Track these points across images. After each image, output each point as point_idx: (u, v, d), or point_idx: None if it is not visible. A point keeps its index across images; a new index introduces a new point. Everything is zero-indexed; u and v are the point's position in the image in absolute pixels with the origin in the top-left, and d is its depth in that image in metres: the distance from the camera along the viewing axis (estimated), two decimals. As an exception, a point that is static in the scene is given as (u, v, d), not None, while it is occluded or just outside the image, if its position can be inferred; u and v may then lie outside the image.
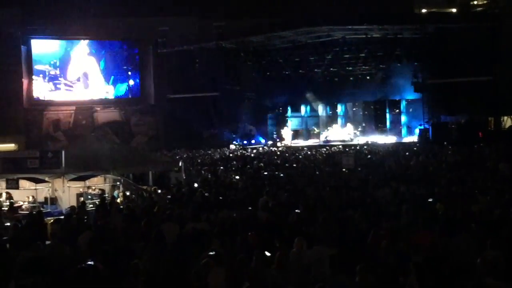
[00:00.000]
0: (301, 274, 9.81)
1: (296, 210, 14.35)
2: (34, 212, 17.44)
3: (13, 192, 20.78)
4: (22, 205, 20.41)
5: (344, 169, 26.38)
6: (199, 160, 36.97)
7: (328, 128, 58.37)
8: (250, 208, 15.63)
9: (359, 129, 56.75)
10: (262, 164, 31.98)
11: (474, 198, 15.42)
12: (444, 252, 10.05)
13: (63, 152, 20.72)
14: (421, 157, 30.78)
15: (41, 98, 55.41)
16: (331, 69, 55.34)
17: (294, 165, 30.89)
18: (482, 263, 8.33)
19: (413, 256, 9.74)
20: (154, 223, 13.27)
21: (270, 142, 55.61)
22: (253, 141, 55.50)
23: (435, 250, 9.94)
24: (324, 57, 52.94)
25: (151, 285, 9.57)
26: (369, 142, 49.89)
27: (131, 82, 58.98)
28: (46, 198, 20.67)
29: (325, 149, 44.21)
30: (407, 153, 34.87)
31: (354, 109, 59.33)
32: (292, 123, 59.75)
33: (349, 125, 56.71)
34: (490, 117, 47.32)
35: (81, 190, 21.02)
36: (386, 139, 52.14)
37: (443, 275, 8.76)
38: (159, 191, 21.53)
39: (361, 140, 52.72)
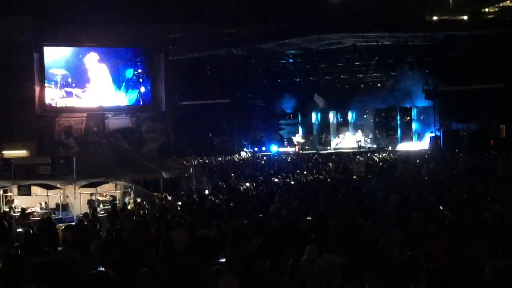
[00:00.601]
0: (312, 282, 9.80)
1: (307, 218, 14.34)
2: (45, 218, 17.55)
3: (25, 198, 20.91)
4: (33, 211, 20.54)
5: (354, 176, 26.36)
6: (210, 167, 36.98)
7: (339, 135, 58.32)
8: (261, 215, 15.65)
9: (370, 136, 56.65)
10: (272, 171, 31.95)
11: (485, 205, 15.36)
12: (456, 260, 10.01)
13: (74, 159, 20.81)
14: (432, 165, 30.68)
15: (53, 105, 55.54)
16: (342, 76, 55.38)
17: (305, 172, 30.82)
18: (491, 272, 8.30)
19: (424, 264, 9.72)
20: (165, 230, 13.31)
21: (281, 149, 55.54)
22: (263, 148, 55.48)
23: (446, 258, 9.92)
24: (335, 64, 52.95)
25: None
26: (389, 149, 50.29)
27: (142, 89, 59.02)
28: (57, 205, 20.80)
29: (335, 156, 44.15)
30: (417, 161, 34.76)
31: (365, 116, 59.14)
32: (303, 130, 59.69)
33: (359, 132, 56.60)
34: (502, 124, 47.09)
35: (92, 196, 21.10)
36: (399, 146, 52.38)
37: (454, 283, 8.73)
38: (170, 198, 21.56)
39: (372, 147, 52.79)
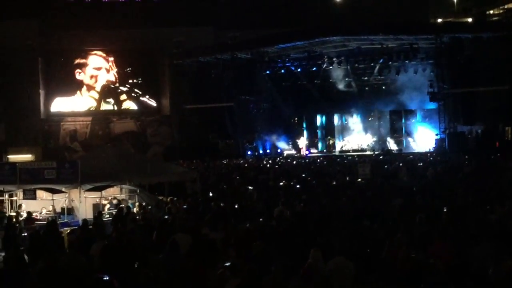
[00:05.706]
0: (322, 285, 9.74)
1: (312, 220, 14.31)
2: (49, 220, 17.56)
3: (30, 202, 20.91)
4: (39, 215, 20.55)
5: (360, 179, 26.28)
6: (214, 171, 36.93)
7: (344, 138, 58.31)
8: (265, 218, 15.62)
9: (374, 139, 56.61)
10: (277, 175, 31.84)
11: (491, 208, 15.29)
12: (462, 262, 9.97)
13: (79, 163, 20.82)
14: (438, 167, 30.57)
15: (58, 109, 55.76)
16: (347, 79, 55.34)
17: (309, 178, 30.64)
18: (498, 273, 8.26)
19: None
20: (170, 234, 13.28)
21: (286, 153, 55.51)
22: (268, 151, 55.45)
23: (453, 260, 9.88)
24: (339, 67, 52.96)
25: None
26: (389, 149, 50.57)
27: (147, 93, 59.07)
28: (63, 209, 20.80)
29: (340, 159, 44.09)
30: (420, 164, 34.62)
31: (370, 119, 59.12)
32: (308, 133, 59.67)
33: (364, 135, 56.58)
34: (507, 126, 46.98)
35: (97, 200, 21.09)
36: (405, 148, 52.61)
37: (460, 285, 8.70)
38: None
39: (377, 149, 52.85)
